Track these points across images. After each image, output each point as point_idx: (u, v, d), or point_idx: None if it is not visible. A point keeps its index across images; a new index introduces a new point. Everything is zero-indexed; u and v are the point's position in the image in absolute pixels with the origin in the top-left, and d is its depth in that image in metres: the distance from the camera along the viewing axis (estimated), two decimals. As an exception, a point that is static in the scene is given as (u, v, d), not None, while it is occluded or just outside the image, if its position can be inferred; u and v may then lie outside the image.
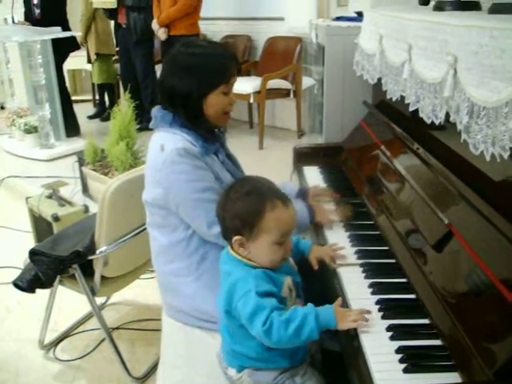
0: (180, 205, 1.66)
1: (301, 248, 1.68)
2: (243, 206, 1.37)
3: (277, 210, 1.37)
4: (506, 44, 1.17)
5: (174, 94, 1.68)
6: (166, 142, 1.66)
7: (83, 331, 2.67)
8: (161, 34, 5.27)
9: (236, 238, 1.39)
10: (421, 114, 1.70)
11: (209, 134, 1.75)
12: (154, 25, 5.31)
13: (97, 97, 6.87)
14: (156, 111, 1.76)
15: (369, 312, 1.38)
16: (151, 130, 1.79)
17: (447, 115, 1.51)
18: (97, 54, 6.10)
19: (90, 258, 2.13)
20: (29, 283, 2.21)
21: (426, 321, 1.37)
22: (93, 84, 6.82)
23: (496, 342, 1.16)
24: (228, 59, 1.71)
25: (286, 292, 1.42)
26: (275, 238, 1.38)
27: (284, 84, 5.19)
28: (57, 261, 2.13)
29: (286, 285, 1.43)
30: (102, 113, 6.53)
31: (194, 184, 1.64)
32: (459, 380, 1.17)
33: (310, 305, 1.38)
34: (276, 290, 1.39)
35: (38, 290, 2.27)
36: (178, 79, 1.66)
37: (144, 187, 1.77)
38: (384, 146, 2.13)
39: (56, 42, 5.14)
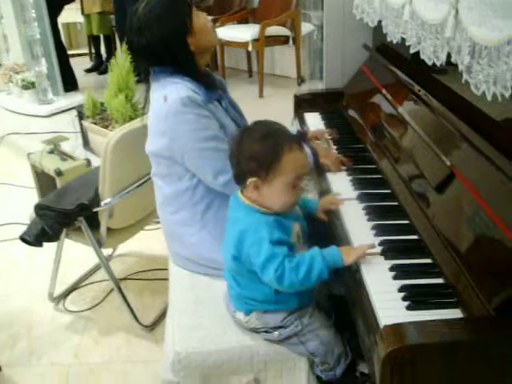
0: (185, 154, 1.66)
1: (308, 206, 1.67)
2: (261, 148, 1.37)
3: (293, 152, 1.37)
4: (507, -20, 1.15)
5: (160, 47, 1.65)
6: (169, 92, 1.65)
7: (91, 283, 2.72)
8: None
9: (251, 179, 1.39)
10: (422, 56, 1.68)
11: (209, 80, 1.74)
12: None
13: (93, 50, 6.76)
14: None
15: (372, 246, 1.42)
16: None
17: (448, 56, 1.50)
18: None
19: (95, 210, 2.15)
20: (36, 237, 2.24)
21: (428, 260, 1.39)
22: (89, 37, 6.69)
23: (496, 280, 1.18)
24: None
25: (294, 238, 1.44)
26: (290, 179, 1.38)
27: (283, 31, 5.10)
28: (62, 214, 2.15)
29: (294, 232, 1.45)
30: (99, 66, 6.44)
31: (199, 133, 1.64)
32: (461, 316, 1.20)
33: (315, 247, 1.41)
34: (286, 238, 1.41)
35: (45, 244, 2.30)
36: (152, 33, 1.63)
37: (146, 138, 1.77)
38: (385, 89, 2.11)
39: (49, -5, 5.02)
